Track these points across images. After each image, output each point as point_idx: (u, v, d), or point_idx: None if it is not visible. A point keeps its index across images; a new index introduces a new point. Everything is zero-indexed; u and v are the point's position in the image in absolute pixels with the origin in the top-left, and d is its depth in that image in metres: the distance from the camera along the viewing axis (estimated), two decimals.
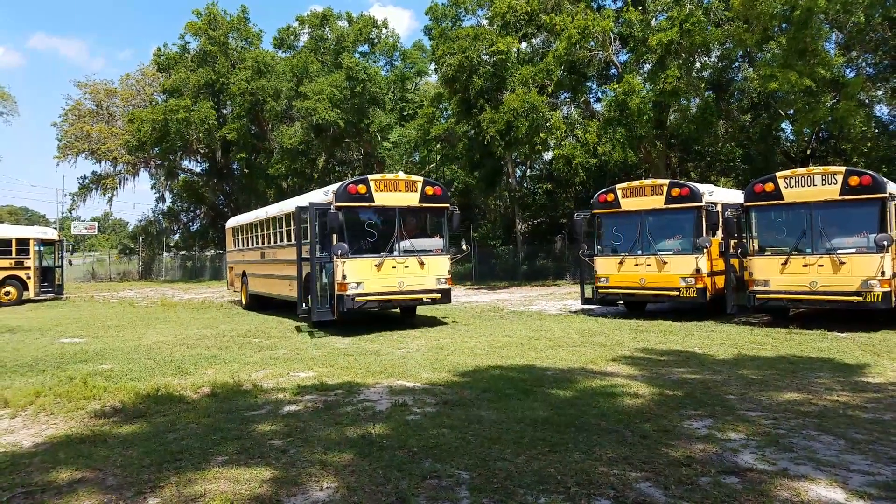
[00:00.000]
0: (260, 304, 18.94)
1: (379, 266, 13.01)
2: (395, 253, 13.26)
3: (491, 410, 6.42)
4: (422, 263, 13.40)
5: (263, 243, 18.33)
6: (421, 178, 14.06)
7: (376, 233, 13.46)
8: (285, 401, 7.02)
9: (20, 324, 16.05)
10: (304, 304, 13.29)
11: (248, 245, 20.06)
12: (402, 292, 13.21)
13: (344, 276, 12.65)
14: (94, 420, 6.41)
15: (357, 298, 12.69)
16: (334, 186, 13.54)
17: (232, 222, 22.91)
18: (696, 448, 5.18)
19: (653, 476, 4.57)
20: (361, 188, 13.13)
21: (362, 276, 12.84)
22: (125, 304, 22.65)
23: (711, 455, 5.01)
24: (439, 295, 13.54)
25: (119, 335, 13.35)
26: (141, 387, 7.72)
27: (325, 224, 12.86)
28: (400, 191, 13.54)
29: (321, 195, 14.02)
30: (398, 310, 15.21)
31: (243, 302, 20.05)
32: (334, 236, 12.81)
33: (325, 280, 13.28)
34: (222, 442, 5.53)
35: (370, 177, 13.53)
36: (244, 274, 19.97)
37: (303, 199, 15.56)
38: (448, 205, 14.18)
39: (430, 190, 13.85)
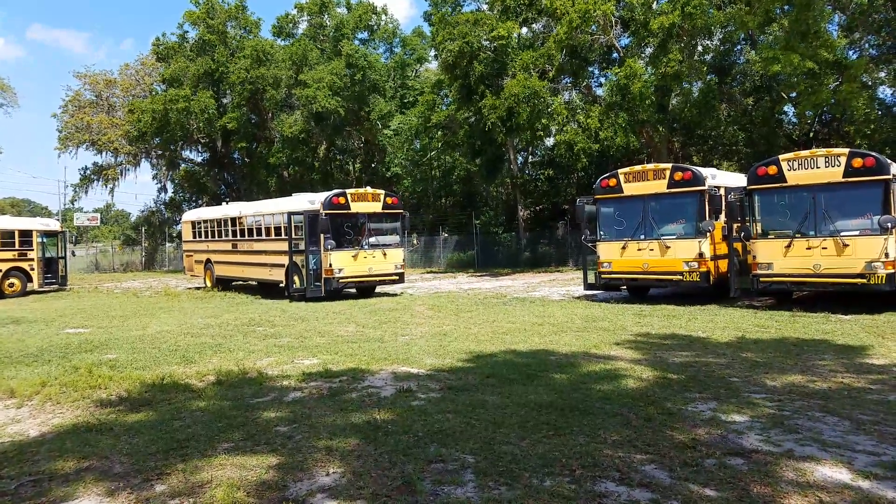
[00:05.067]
0: (223, 285, 22.81)
1: (355, 256, 17.36)
2: (366, 246, 17.59)
3: (495, 395, 6.44)
4: (384, 254, 17.89)
5: (236, 236, 21.57)
6: (383, 191, 18.56)
7: (352, 231, 17.78)
8: (290, 388, 7.04)
9: (25, 315, 16.09)
10: (293, 285, 17.54)
11: (214, 237, 23.16)
12: (371, 275, 17.76)
13: (331, 264, 16.92)
14: (99, 409, 6.43)
15: (340, 280, 17.11)
16: (320, 196, 17.69)
17: (191, 216, 26.02)
18: (701, 430, 5.19)
19: (658, 458, 4.58)
20: (341, 199, 17.42)
21: (343, 263, 17.13)
22: (129, 294, 22.70)
23: (716, 437, 5.02)
24: (397, 277, 18.24)
25: (123, 325, 13.38)
26: (146, 376, 7.75)
27: (315, 226, 16.85)
28: (368, 200, 17.96)
29: (306, 203, 17.62)
30: (354, 289, 18.73)
31: (208, 284, 23.29)
32: (322, 235, 16.83)
33: (311, 267, 17.09)
34: (228, 429, 5.56)
35: (347, 191, 17.90)
36: (208, 261, 23.32)
37: (274, 203, 20.69)
38: (402, 211, 18.79)
39: (389, 200, 18.39)
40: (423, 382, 7.08)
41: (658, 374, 7.24)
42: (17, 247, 23.48)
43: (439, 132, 32.73)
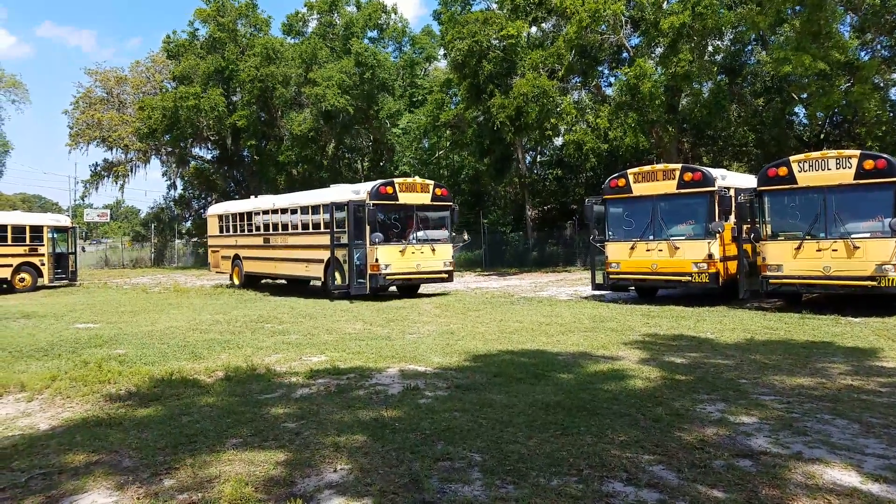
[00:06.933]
0: (252, 282, 21.76)
1: (402, 251, 16.19)
2: (414, 241, 16.43)
3: (502, 394, 6.43)
4: (433, 250, 16.67)
5: (269, 230, 20.30)
6: (432, 182, 17.35)
7: (399, 225, 16.69)
8: (298, 384, 7.06)
9: (35, 310, 16.20)
10: (333, 282, 16.30)
11: (243, 231, 21.98)
12: (418, 273, 16.55)
13: (377, 260, 15.76)
14: (109, 403, 6.47)
15: (387, 277, 15.93)
16: (367, 186, 16.52)
17: (218, 209, 24.96)
18: (709, 432, 5.17)
19: (666, 459, 4.57)
20: (389, 189, 16.26)
21: (390, 259, 15.98)
22: (138, 290, 22.81)
23: (724, 439, 5.00)
24: (446, 275, 17.02)
25: (133, 321, 13.44)
26: (155, 371, 7.79)
27: (361, 218, 15.72)
28: (417, 191, 16.79)
29: (349, 193, 16.44)
30: (394, 288, 17.53)
31: (236, 282, 22.06)
32: (367, 227, 15.69)
33: (355, 263, 15.88)
34: (236, 425, 5.58)
35: (395, 180, 16.74)
36: (236, 257, 22.07)
37: (313, 195, 19.04)
38: (451, 203, 17.57)
39: (438, 191, 17.21)
40: (430, 381, 7.09)
41: (666, 374, 7.21)
42: (27, 242, 23.66)
43: (448, 131, 32.73)
